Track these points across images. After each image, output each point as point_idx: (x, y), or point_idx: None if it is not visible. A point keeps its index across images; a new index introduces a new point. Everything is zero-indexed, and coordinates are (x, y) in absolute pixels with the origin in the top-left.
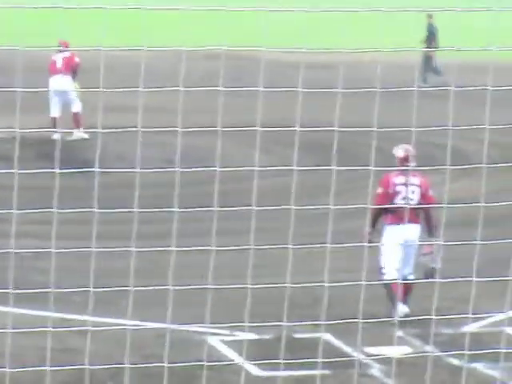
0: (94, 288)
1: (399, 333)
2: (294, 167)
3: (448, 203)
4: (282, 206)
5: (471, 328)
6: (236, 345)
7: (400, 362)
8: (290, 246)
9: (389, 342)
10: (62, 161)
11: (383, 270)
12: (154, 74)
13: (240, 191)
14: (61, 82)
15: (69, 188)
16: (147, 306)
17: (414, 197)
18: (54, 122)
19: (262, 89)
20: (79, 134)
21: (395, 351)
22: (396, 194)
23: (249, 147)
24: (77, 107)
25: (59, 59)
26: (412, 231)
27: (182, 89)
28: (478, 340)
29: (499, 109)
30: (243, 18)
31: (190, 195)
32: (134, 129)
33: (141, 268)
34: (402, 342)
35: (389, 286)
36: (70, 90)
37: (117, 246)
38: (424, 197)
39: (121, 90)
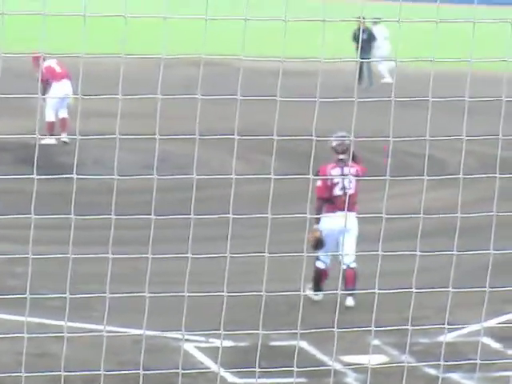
0: (70, 294)
1: (375, 341)
2: (272, 175)
3: (424, 213)
4: (259, 214)
5: (448, 338)
6: (211, 352)
7: (376, 371)
8: (266, 254)
9: (365, 350)
10: (40, 165)
11: (319, 256)
12: (135, 80)
13: (217, 198)
14: (65, 87)
15: (46, 193)
16: (124, 311)
17: (352, 186)
18: (51, 127)
19: (239, 97)
20: (64, 138)
21: (371, 360)
22: (334, 185)
23: (226, 154)
24: (67, 112)
25: (55, 65)
26: (349, 219)
27: (160, 96)
28: (454, 350)
29: (475, 117)
30: (222, 26)
31: (169, 202)
32: (113, 136)
33: (119, 274)
34: (378, 350)
35: (320, 273)
36: (69, 96)
37: (95, 251)
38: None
39: (98, 97)
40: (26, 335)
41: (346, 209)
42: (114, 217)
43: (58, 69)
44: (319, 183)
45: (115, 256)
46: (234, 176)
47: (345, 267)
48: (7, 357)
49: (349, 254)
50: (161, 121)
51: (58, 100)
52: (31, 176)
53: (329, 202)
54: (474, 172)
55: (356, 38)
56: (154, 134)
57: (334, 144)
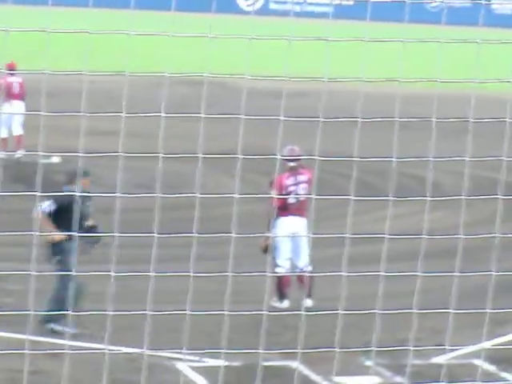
0: (72, 312)
1: (369, 363)
2: (272, 195)
3: (419, 234)
4: (259, 234)
5: (441, 360)
6: (205, 371)
7: None
8: (268, 273)
9: (357, 371)
10: (32, 184)
11: (277, 262)
12: (125, 98)
13: (212, 218)
14: (18, 107)
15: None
16: (117, 330)
17: (304, 192)
18: (5, 143)
19: (243, 116)
20: (20, 153)
21: (365, 381)
22: (289, 194)
23: (221, 174)
24: (20, 130)
25: (15, 84)
26: (300, 224)
27: (164, 115)
28: (448, 372)
29: (469, 139)
30: (224, 45)
31: (164, 220)
32: (116, 153)
33: (110, 292)
34: (371, 372)
35: (281, 280)
36: (23, 114)
37: (95, 269)
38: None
39: (99, 114)
40: (26, 352)
41: (296, 214)
42: (117, 235)
43: (16, 89)
44: (275, 193)
45: (115, 274)
46: (235, 195)
47: (298, 271)
48: (0, 374)
49: (303, 258)
50: (153, 140)
51: (8, 119)
52: (33, 193)
53: (282, 208)
54: (470, 194)
55: None
56: (147, 153)
57: (285, 153)
